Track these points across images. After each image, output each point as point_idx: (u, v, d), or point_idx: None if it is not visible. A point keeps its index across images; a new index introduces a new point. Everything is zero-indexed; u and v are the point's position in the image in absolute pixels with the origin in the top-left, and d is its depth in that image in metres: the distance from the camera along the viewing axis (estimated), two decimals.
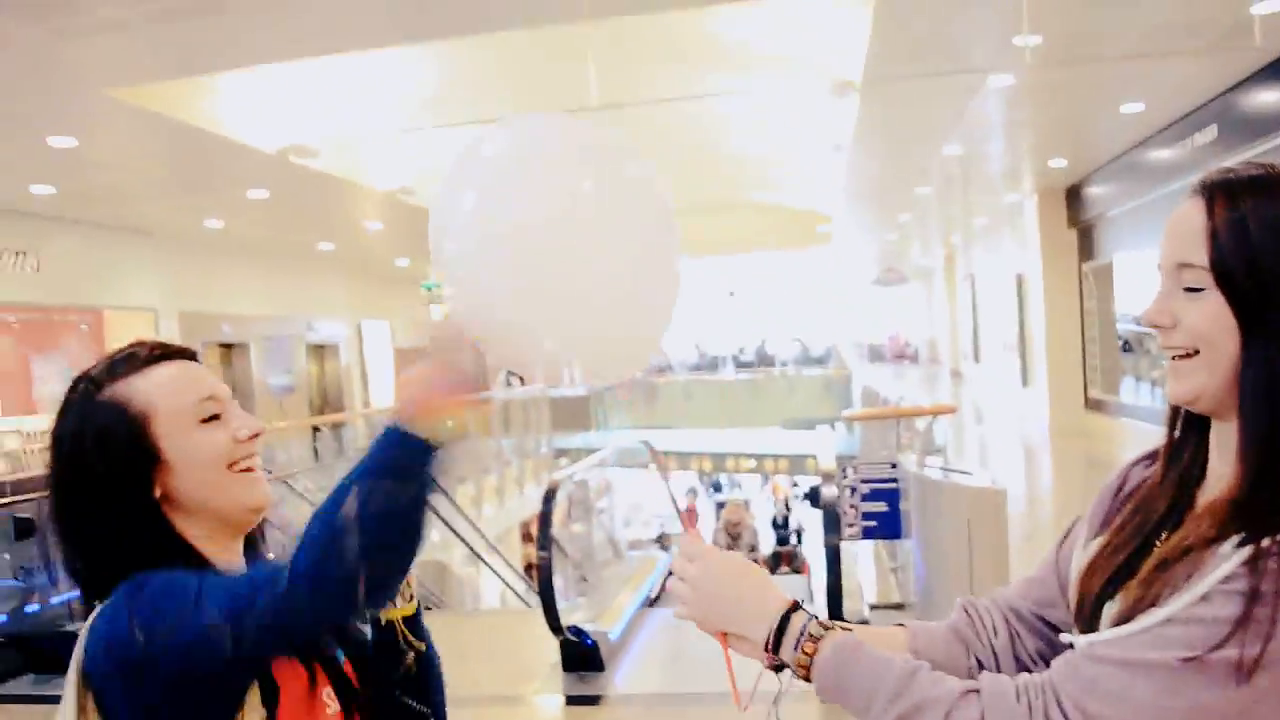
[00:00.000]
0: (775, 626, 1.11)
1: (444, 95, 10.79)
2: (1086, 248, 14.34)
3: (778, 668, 1.14)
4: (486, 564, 8.94)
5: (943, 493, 4.72)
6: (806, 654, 1.10)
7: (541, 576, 5.35)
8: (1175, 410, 1.13)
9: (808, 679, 1.11)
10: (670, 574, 1.24)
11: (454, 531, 8.80)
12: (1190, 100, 9.52)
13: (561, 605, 5.89)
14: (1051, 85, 8.73)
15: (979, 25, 6.78)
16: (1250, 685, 0.89)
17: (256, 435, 1.26)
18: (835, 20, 8.49)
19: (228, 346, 15.00)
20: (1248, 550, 0.92)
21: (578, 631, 5.42)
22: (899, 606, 5.39)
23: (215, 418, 1.23)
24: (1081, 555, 1.14)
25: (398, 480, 1.11)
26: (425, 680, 1.42)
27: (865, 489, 5.34)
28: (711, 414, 22.94)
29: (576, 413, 20.97)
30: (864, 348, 33.59)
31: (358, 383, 18.65)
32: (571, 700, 5.13)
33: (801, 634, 1.10)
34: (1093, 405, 14.29)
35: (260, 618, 1.09)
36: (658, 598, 6.87)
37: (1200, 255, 1.03)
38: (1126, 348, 12.87)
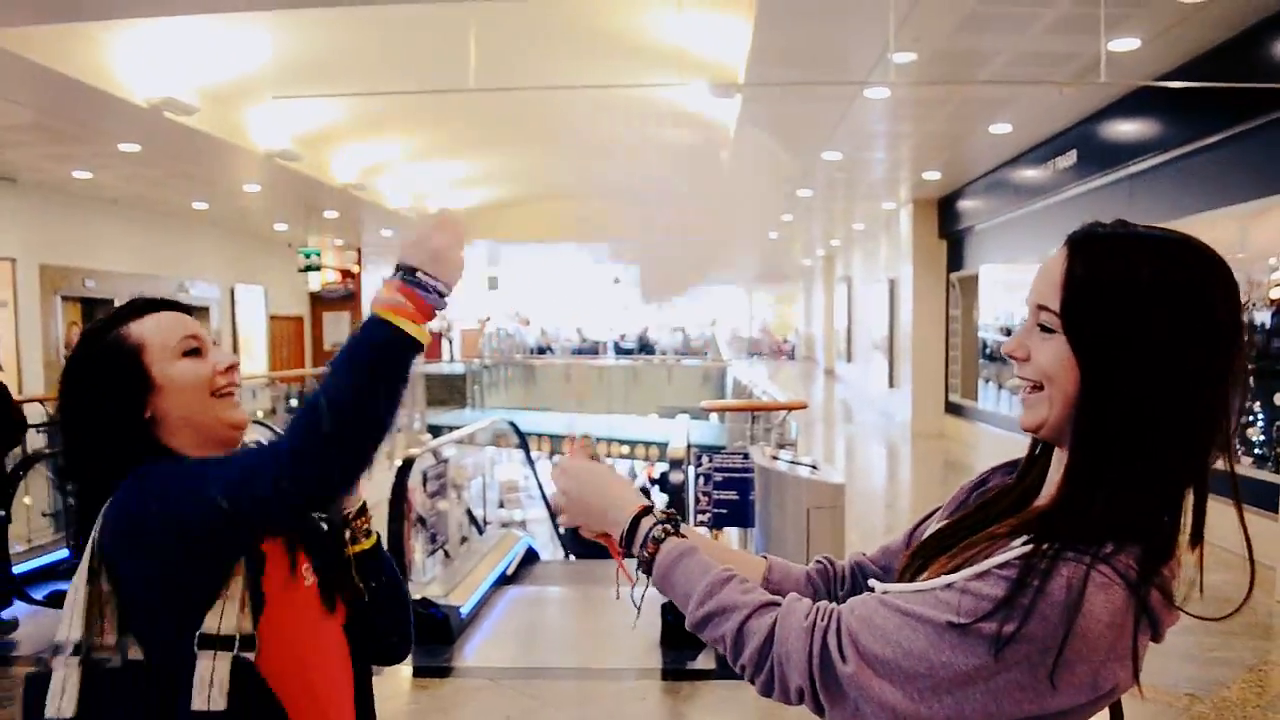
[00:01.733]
0: (626, 528, 1.27)
1: (327, 63, 10.63)
2: (955, 258, 14.90)
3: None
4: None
5: (786, 484, 4.92)
6: (648, 553, 1.25)
7: (392, 550, 5.36)
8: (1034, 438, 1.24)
9: (649, 574, 1.25)
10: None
11: None
12: (1053, 125, 10.01)
13: (418, 579, 5.95)
14: (925, 101, 9.08)
15: (857, 38, 7.01)
16: (1000, 657, 1.02)
17: (233, 366, 1.50)
18: (720, 22, 8.67)
19: (91, 302, 14.49)
20: (1028, 547, 1.05)
21: (427, 604, 5.48)
22: None
23: (196, 352, 1.47)
24: (928, 531, 1.28)
25: (383, 362, 1.28)
26: (388, 605, 1.59)
27: (719, 477, 5.52)
28: (589, 398, 23.01)
29: (452, 390, 20.84)
30: (743, 342, 34.17)
31: (228, 347, 18.24)
32: (419, 672, 5.17)
33: (647, 535, 1.25)
34: (951, 409, 14.87)
35: (258, 490, 1.28)
36: (515, 574, 6.96)
37: (1055, 301, 1.12)
38: (987, 356, 13.45)
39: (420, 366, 19.57)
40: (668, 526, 1.26)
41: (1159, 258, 1.09)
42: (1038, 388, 1.15)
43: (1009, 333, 12.79)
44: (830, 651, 1.08)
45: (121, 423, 1.42)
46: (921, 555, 1.23)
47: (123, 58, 8.74)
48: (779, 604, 1.15)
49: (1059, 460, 1.17)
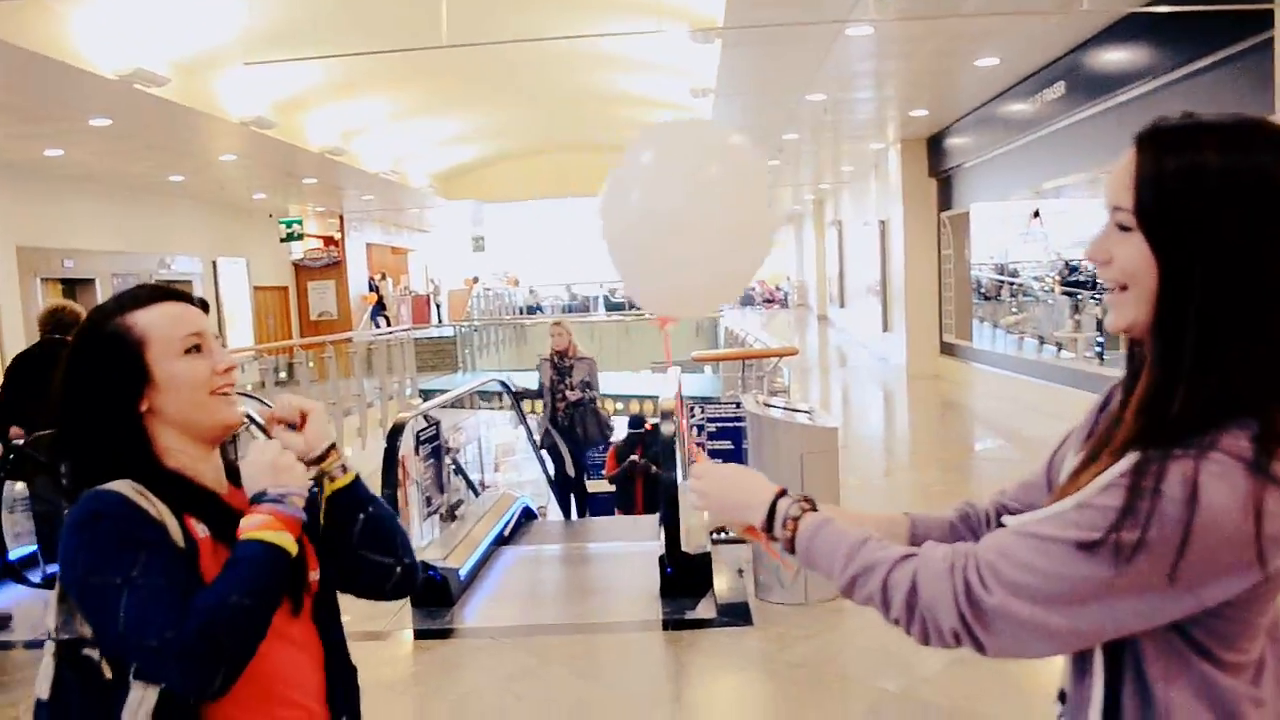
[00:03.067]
0: (765, 514, 1.33)
1: (298, 27, 10.44)
2: (945, 196, 14.78)
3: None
4: None
5: (779, 430, 4.86)
6: (788, 531, 1.30)
7: None
8: (1131, 339, 1.24)
9: (793, 551, 1.30)
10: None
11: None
12: (1040, 57, 9.85)
13: (416, 543, 5.89)
14: (909, 37, 8.92)
15: None
16: (1130, 565, 1.04)
17: (231, 368, 1.51)
18: None
19: (71, 283, 14.34)
20: (1138, 455, 1.07)
21: (425, 567, 5.43)
22: (742, 540, 5.55)
23: (197, 349, 1.47)
24: (1072, 461, 1.27)
25: (268, 586, 1.36)
26: (379, 536, 1.61)
27: (712, 428, 5.45)
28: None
29: (442, 354, 20.73)
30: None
31: (212, 322, 18.09)
32: (420, 635, 5.14)
33: (785, 516, 1.31)
34: (946, 350, 14.82)
35: (145, 655, 1.30)
36: (512, 535, 6.91)
37: (1128, 199, 1.12)
38: (981, 295, 13.36)
39: (409, 331, 19.48)
40: (803, 504, 1.32)
41: (1227, 143, 1.09)
42: (1123, 288, 1.15)
43: (1002, 271, 12.72)
44: (974, 588, 1.12)
45: (116, 413, 1.44)
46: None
47: (88, 30, 8.54)
48: (916, 554, 1.19)
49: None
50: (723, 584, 5.33)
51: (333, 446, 1.57)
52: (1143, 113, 7.68)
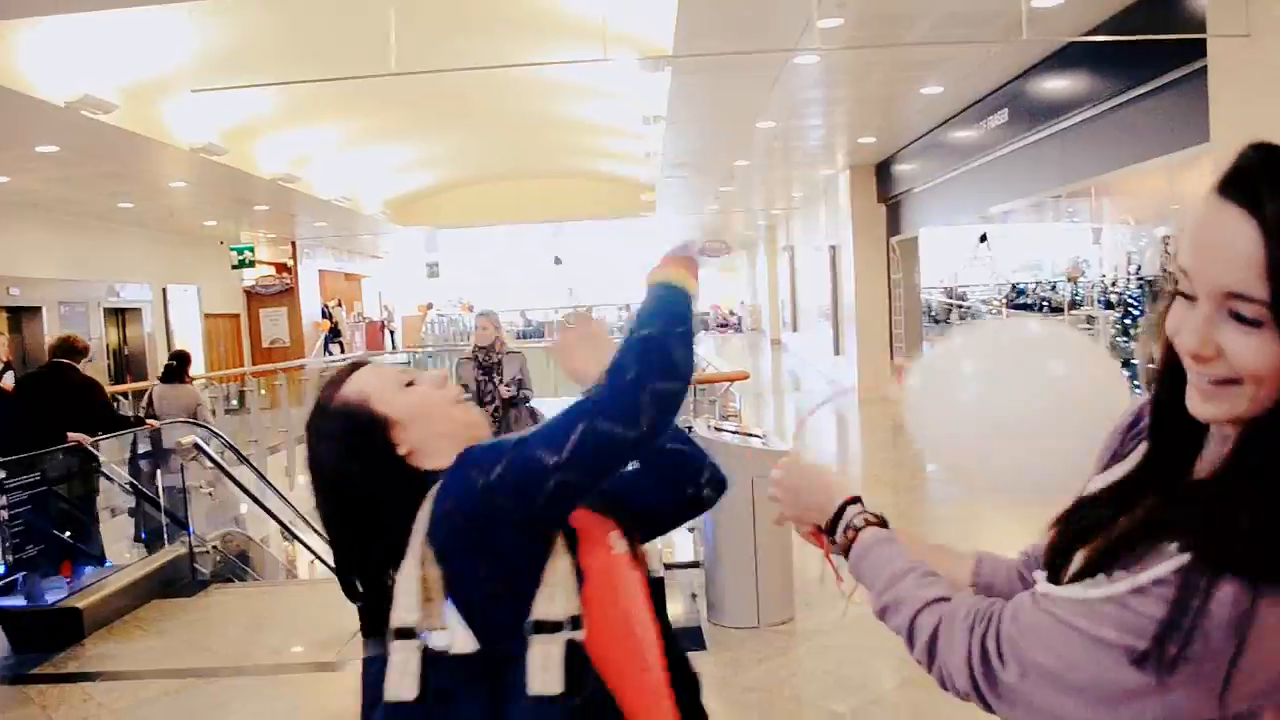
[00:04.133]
0: (832, 516, 1.31)
1: (247, 54, 10.41)
2: (894, 222, 14.98)
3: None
4: (293, 534, 8.70)
5: (729, 454, 4.88)
6: (847, 539, 1.28)
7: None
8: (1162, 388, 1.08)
9: (847, 558, 1.28)
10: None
11: (261, 505, 8.53)
12: (984, 85, 10.05)
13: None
14: (855, 66, 9.07)
15: (782, 5, 6.96)
16: (1168, 677, 0.91)
17: (444, 381, 1.54)
18: None
19: (17, 311, 14.09)
20: (1186, 558, 0.91)
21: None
22: (695, 565, 5.58)
23: (411, 384, 1.50)
24: (1095, 484, 1.16)
25: (676, 317, 1.36)
26: (689, 459, 1.68)
27: None
28: (538, 381, 22.90)
29: None
30: None
31: (162, 350, 17.80)
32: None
33: (849, 523, 1.29)
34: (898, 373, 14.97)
35: (582, 439, 1.27)
36: None
37: (1259, 288, 0.88)
38: (931, 318, 13.55)
39: (364, 357, 19.34)
40: (869, 516, 1.29)
41: None
42: (1234, 382, 0.93)
43: (951, 294, 12.91)
44: (990, 657, 1.03)
45: (384, 472, 1.44)
46: (1069, 529, 1.12)
47: (35, 57, 8.46)
48: (948, 600, 1.12)
49: (1220, 433, 1.01)
50: (676, 609, 5.34)
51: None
52: (1084, 139, 7.88)
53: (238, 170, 13.17)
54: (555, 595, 1.32)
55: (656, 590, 1.55)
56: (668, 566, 5.61)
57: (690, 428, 5.53)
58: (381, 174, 20.35)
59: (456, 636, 1.34)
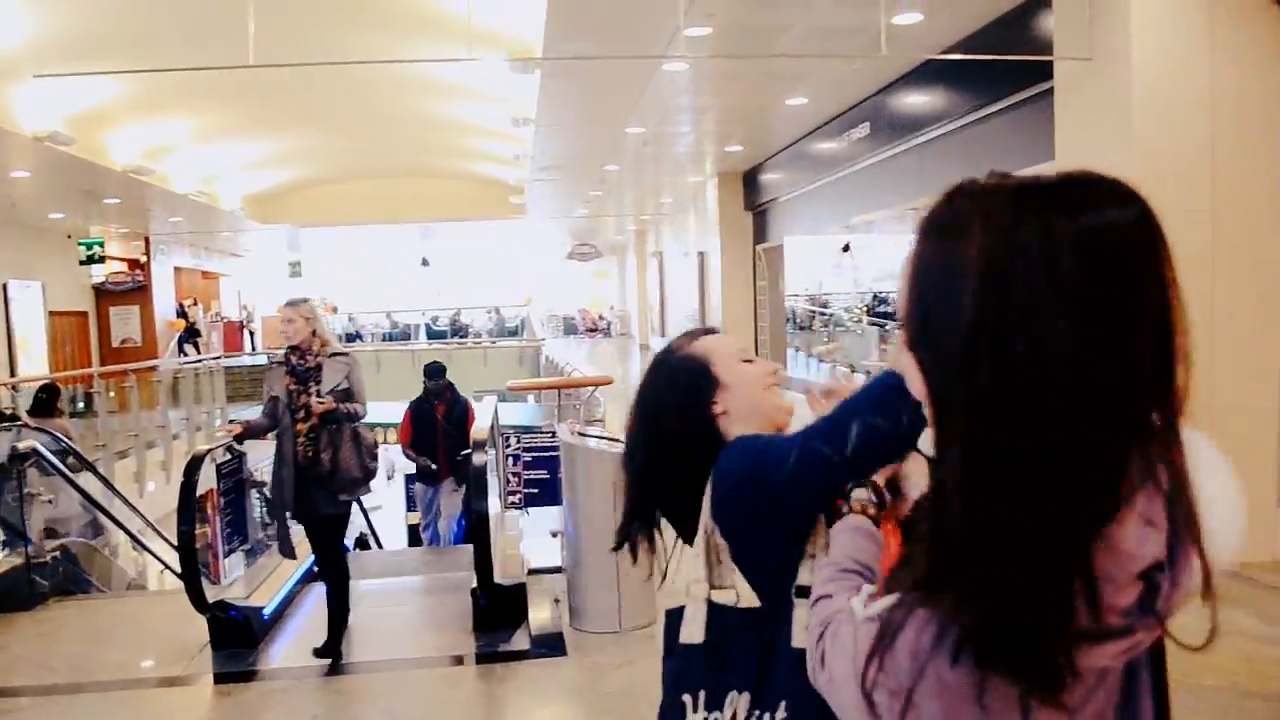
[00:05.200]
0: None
1: (96, 38, 9.93)
2: (760, 229, 15.23)
3: None
4: (141, 544, 8.33)
5: (591, 459, 4.88)
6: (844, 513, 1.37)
7: (182, 552, 5.07)
8: None
9: None
10: None
11: (107, 514, 8.12)
12: (847, 98, 10.30)
13: (219, 584, 5.62)
14: (722, 75, 9.18)
15: (651, 12, 6.99)
16: (874, 699, 0.97)
17: (778, 371, 1.77)
18: None
19: None
20: (895, 597, 0.98)
21: (225, 607, 5.19)
22: (559, 570, 5.54)
23: (749, 361, 1.74)
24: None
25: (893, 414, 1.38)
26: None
27: (527, 457, 5.43)
28: (403, 384, 22.38)
29: (256, 383, 19.94)
30: (559, 321, 34.10)
31: (2, 349, 16.79)
32: (221, 679, 4.92)
33: (853, 500, 1.37)
34: None
35: (828, 463, 1.45)
36: (320, 571, 6.67)
37: (903, 313, 0.96)
38: (795, 325, 13.81)
39: (220, 360, 18.66)
40: (867, 504, 1.36)
41: None
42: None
43: (814, 301, 13.20)
44: (818, 661, 1.10)
45: (696, 418, 1.69)
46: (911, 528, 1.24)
47: None
48: (829, 598, 1.18)
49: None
50: (540, 614, 5.29)
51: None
52: (940, 153, 8.14)
53: (86, 161, 12.53)
54: (815, 566, 1.50)
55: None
56: (531, 572, 5.56)
57: (554, 432, 5.50)
58: (241, 168, 19.68)
59: (741, 594, 1.60)
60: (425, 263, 30.05)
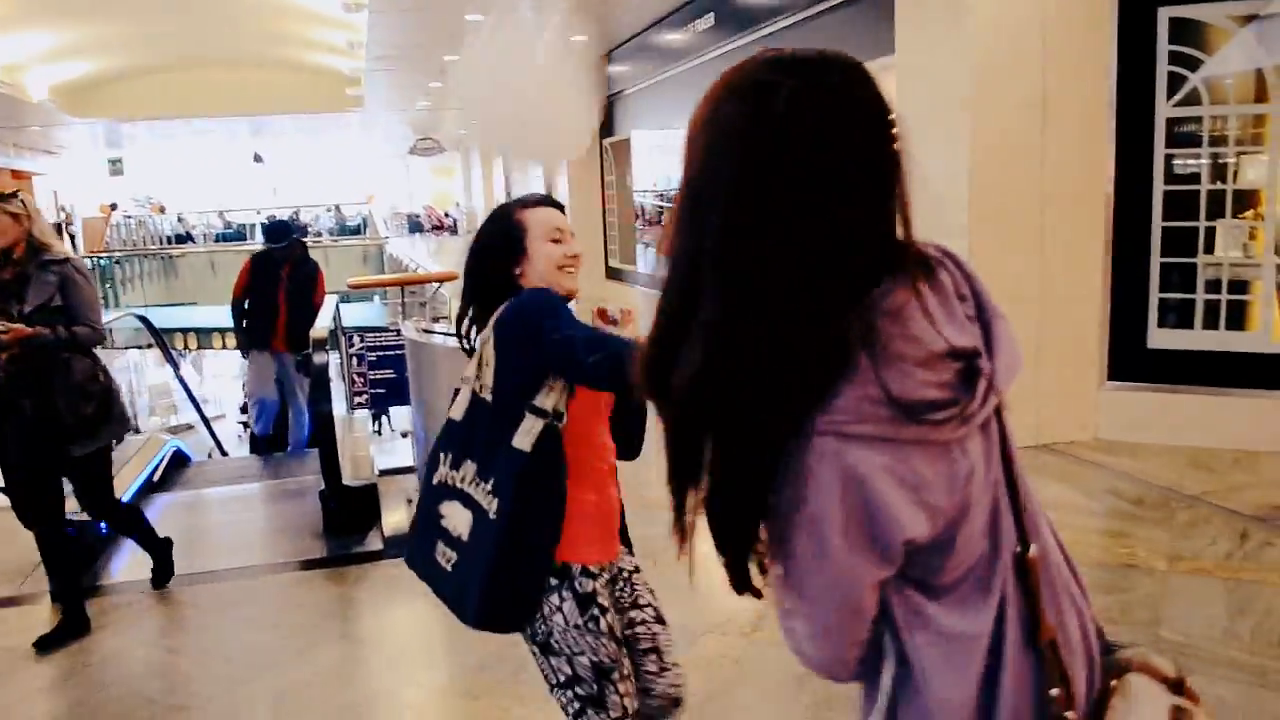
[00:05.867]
0: None
1: None
2: (607, 123, 15.04)
3: None
4: None
5: (437, 355, 4.79)
6: None
7: (3, 464, 4.78)
8: None
9: None
10: None
11: None
12: None
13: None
14: None
15: None
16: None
17: (577, 256, 2.23)
18: None
19: None
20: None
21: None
22: (410, 469, 5.48)
23: (558, 240, 2.21)
24: None
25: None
26: (636, 415, 2.29)
27: (372, 356, 5.30)
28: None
29: None
30: (403, 219, 33.26)
31: None
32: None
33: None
34: (612, 274, 15.24)
35: (579, 364, 1.97)
36: (162, 480, 6.45)
37: None
38: (644, 220, 13.78)
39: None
40: None
41: None
42: None
43: (663, 197, 13.17)
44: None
45: (501, 273, 2.20)
46: None
47: None
48: None
49: None
50: (393, 516, 5.24)
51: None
52: (786, 45, 8.21)
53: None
54: (549, 396, 2.05)
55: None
56: (383, 473, 5.48)
57: (399, 330, 5.38)
58: (49, 57, 18.23)
59: (492, 394, 2.09)
60: (258, 159, 28.72)
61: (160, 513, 5.91)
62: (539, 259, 2.17)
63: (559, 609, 2.08)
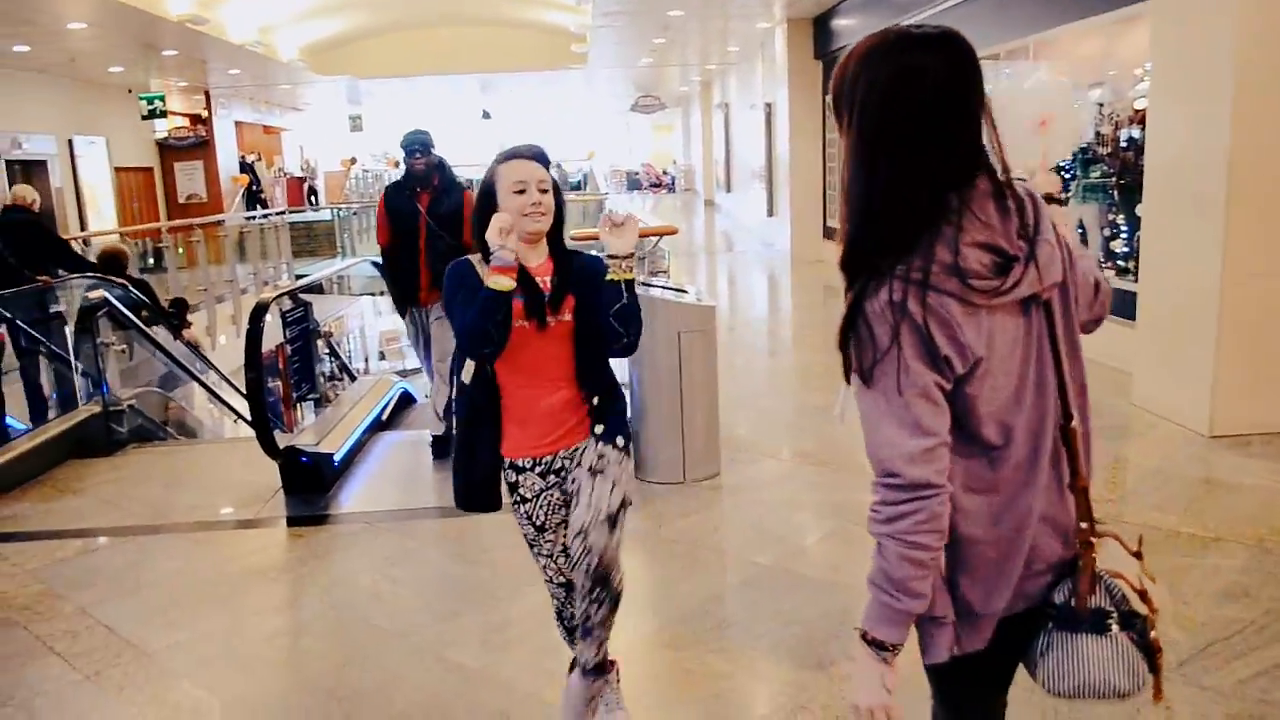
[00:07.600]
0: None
1: None
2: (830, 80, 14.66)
3: None
4: (215, 395, 8.50)
5: (656, 308, 4.79)
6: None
7: (251, 397, 5.13)
8: None
9: None
10: None
11: (180, 365, 8.27)
12: None
13: (290, 433, 5.72)
14: None
15: None
16: (874, 388, 1.45)
17: (538, 203, 2.55)
18: None
19: None
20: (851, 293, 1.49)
21: (296, 453, 5.28)
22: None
23: (521, 192, 2.55)
24: None
25: (486, 310, 2.46)
26: (622, 317, 2.57)
27: None
28: None
29: (320, 239, 20.07)
30: (622, 176, 33.67)
31: (71, 206, 16.95)
32: (294, 521, 5.03)
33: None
34: (830, 234, 14.93)
35: (457, 334, 2.55)
36: (390, 420, 6.77)
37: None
38: None
39: (284, 215, 18.74)
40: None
41: None
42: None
43: None
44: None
45: (481, 220, 2.56)
46: None
47: None
48: None
49: None
50: None
51: (630, 254, 2.58)
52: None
53: (141, 10, 12.35)
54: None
55: (603, 332, 2.61)
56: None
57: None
58: (298, 18, 19.33)
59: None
60: (487, 115, 29.66)
61: (385, 449, 6.21)
62: (505, 209, 2.54)
63: (507, 488, 2.74)
